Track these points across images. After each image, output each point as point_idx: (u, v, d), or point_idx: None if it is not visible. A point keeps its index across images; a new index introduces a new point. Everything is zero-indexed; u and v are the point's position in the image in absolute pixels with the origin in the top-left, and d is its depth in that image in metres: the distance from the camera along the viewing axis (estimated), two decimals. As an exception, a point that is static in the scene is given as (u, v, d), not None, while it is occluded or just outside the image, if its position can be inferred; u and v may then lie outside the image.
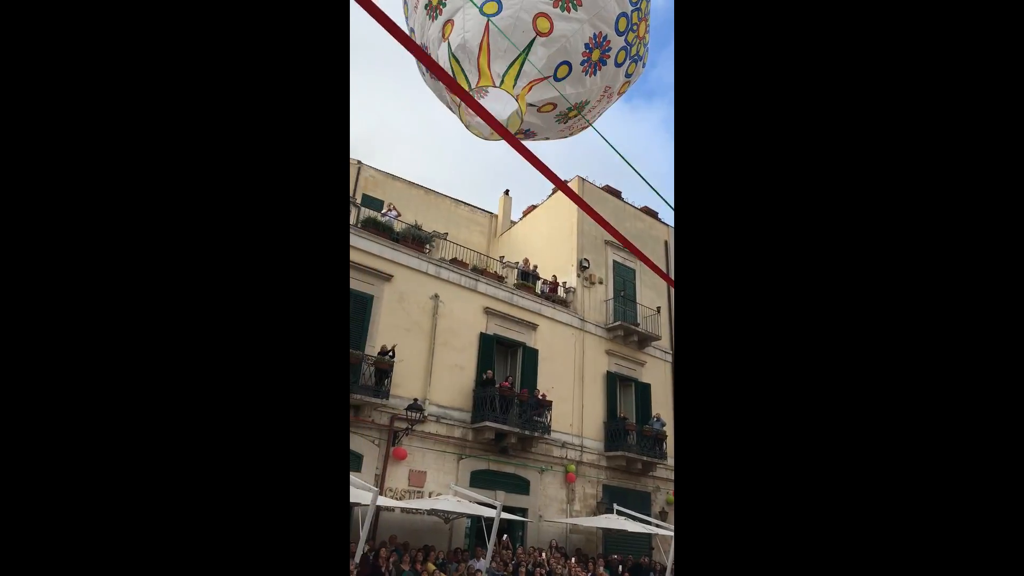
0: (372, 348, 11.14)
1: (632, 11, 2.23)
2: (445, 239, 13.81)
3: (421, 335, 12.05)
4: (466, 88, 2.20)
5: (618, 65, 2.35)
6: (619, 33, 2.21)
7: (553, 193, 18.18)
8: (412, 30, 2.56)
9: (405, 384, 11.32)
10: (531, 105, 2.30)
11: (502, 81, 2.10)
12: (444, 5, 2.13)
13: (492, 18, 1.97)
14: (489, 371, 12.44)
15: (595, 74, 2.25)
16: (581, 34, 2.10)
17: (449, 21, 2.08)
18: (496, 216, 20.63)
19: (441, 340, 12.28)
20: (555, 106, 2.35)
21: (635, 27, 2.31)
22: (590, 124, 2.61)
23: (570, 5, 2.02)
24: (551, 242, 16.79)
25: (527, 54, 2.03)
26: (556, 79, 2.17)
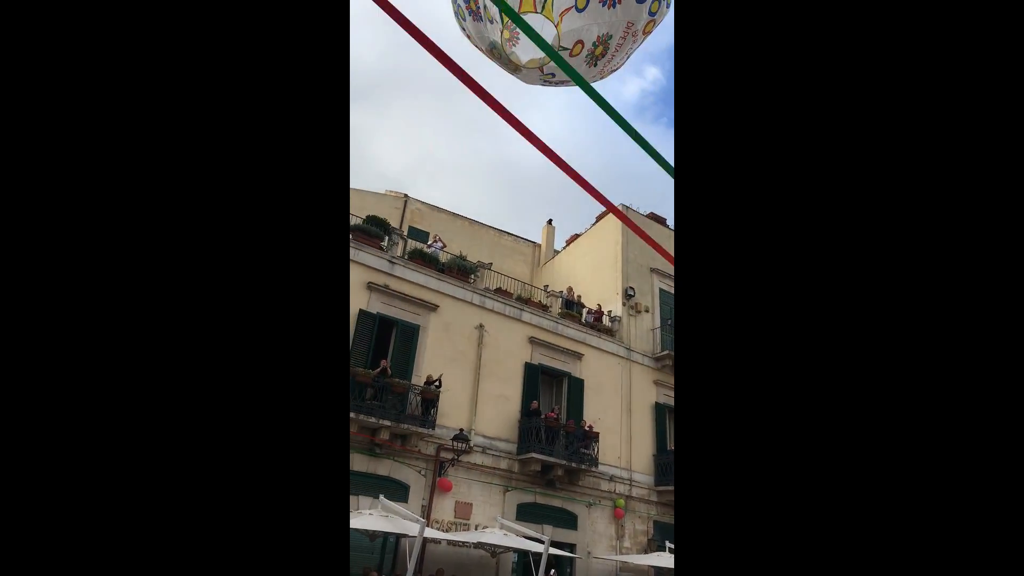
0: (419, 378, 11.23)
1: None
2: (489, 269, 13.93)
3: (466, 365, 12.08)
4: (510, 15, 2.41)
5: (639, 1, 2.48)
6: None
7: (596, 222, 18.16)
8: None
9: (451, 414, 11.32)
10: (563, 48, 2.46)
11: (543, 6, 2.31)
12: None
13: None
14: (534, 401, 12.32)
15: (614, 7, 2.40)
16: None
17: None
18: (539, 245, 20.72)
19: (486, 370, 12.27)
20: (583, 45, 2.50)
21: None
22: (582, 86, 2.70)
23: None
24: (595, 271, 16.71)
25: None
26: (578, 10, 2.34)
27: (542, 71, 2.75)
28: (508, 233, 20.34)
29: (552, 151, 2.46)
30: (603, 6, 2.39)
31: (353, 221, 11.63)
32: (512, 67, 2.79)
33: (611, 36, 2.53)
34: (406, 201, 18.12)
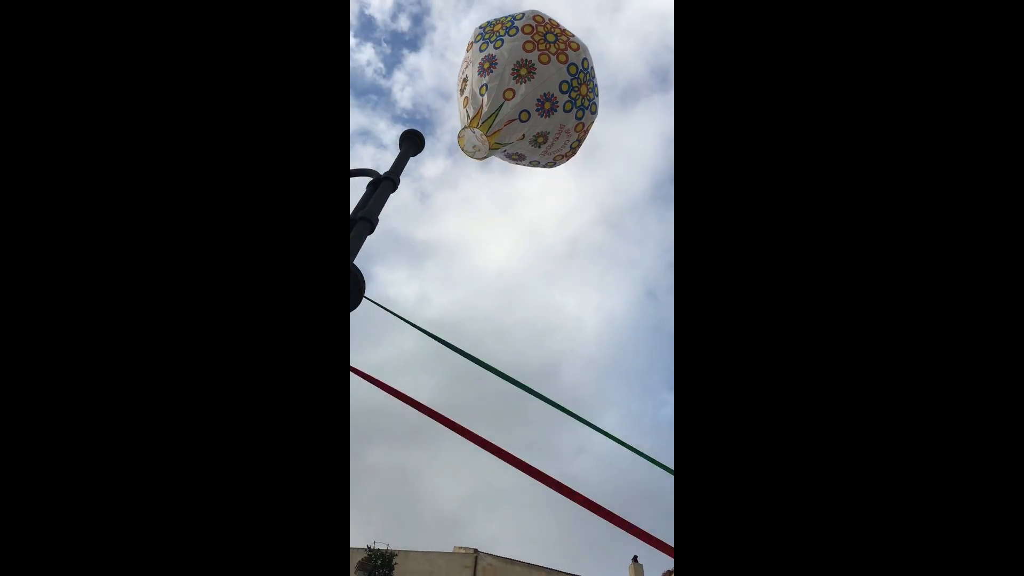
0: None
1: (571, 79, 3.76)
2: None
3: None
4: (473, 117, 3.81)
5: (566, 111, 3.80)
6: (562, 92, 3.74)
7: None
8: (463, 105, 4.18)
9: None
10: (509, 143, 3.83)
11: (489, 127, 3.75)
12: (465, 84, 3.91)
13: (483, 96, 3.72)
14: None
15: (548, 116, 3.77)
16: (533, 94, 3.67)
17: (465, 96, 3.86)
18: (631, 591, 18.24)
19: None
20: (524, 135, 3.82)
21: (576, 88, 3.78)
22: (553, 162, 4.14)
23: (525, 79, 3.67)
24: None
25: (499, 110, 3.70)
26: (521, 121, 3.71)
27: (516, 159, 3.97)
28: (592, 580, 18.16)
29: (579, 494, 2.17)
30: (541, 116, 3.75)
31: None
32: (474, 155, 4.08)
33: (548, 132, 3.85)
34: (476, 558, 17.07)
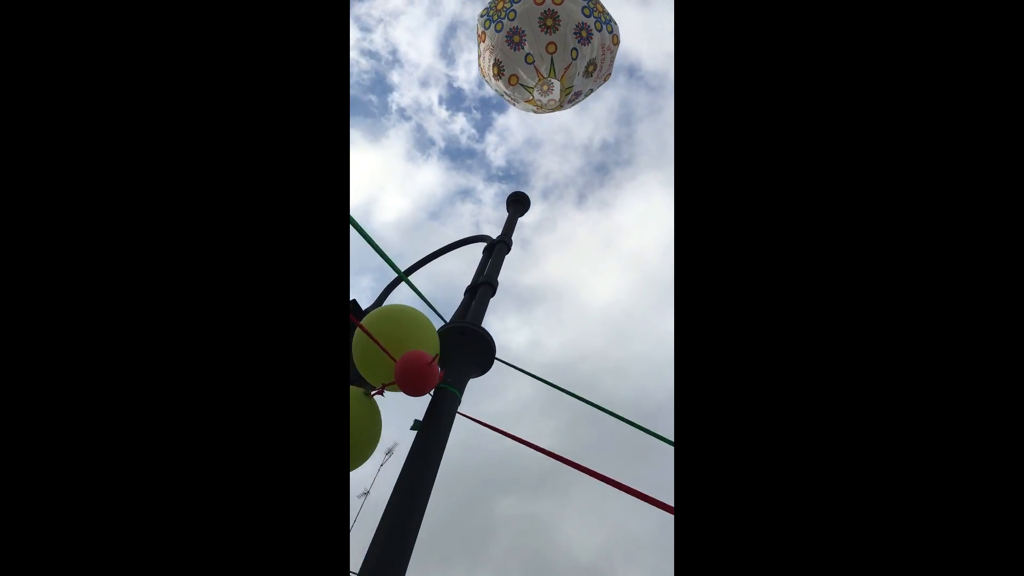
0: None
1: (586, 3, 4.16)
2: None
3: None
4: (537, 80, 4.20)
5: (598, 31, 4.22)
6: (587, 16, 4.16)
7: None
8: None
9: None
10: (569, 88, 4.30)
11: (551, 72, 4.14)
12: (499, 66, 4.24)
13: (532, 64, 4.07)
14: None
15: (589, 43, 4.15)
16: (568, 32, 4.07)
17: (511, 75, 4.21)
18: None
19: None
20: (578, 71, 4.22)
21: (594, 8, 4.22)
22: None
23: (553, 28, 4.01)
24: None
25: (553, 65, 4.09)
26: (573, 59, 4.13)
27: (573, 98, 4.08)
28: None
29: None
30: (584, 45, 4.10)
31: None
32: (551, 107, 4.48)
33: (595, 57, 4.21)
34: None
